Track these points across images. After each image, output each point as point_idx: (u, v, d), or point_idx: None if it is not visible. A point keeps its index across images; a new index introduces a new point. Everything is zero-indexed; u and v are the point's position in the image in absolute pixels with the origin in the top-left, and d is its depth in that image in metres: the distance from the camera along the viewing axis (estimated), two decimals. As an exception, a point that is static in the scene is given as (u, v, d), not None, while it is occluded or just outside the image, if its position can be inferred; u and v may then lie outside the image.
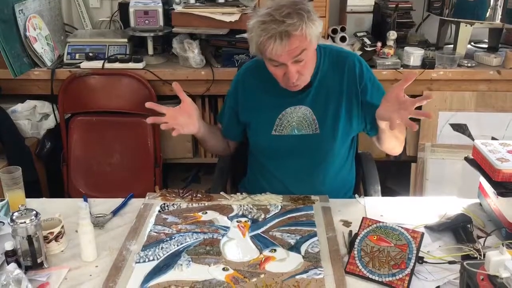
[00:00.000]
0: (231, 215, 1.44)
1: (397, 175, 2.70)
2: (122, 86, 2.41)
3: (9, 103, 2.42)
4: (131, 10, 2.42)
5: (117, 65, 2.39)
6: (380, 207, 1.49)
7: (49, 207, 1.45)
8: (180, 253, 1.26)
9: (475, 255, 1.20)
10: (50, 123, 2.49)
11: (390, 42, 2.42)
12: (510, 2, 2.36)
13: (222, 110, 1.75)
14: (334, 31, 2.52)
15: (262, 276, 1.18)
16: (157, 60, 2.52)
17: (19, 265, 1.16)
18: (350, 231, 1.35)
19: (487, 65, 2.44)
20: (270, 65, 1.46)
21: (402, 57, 2.41)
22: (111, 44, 2.49)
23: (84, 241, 1.25)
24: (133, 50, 2.56)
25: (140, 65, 2.39)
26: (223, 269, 1.20)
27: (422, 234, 1.22)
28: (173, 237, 1.32)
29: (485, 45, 2.67)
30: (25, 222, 1.17)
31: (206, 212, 1.45)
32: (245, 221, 1.40)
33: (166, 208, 1.48)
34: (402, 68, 2.38)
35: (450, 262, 1.21)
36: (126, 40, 2.50)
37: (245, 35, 2.36)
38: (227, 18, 2.33)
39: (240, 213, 1.45)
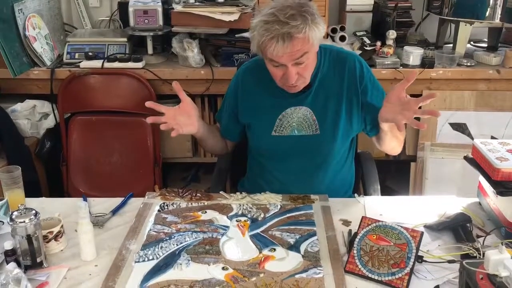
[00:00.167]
0: (230, 214, 1.44)
1: (397, 175, 2.70)
2: (121, 85, 2.42)
3: (8, 103, 2.43)
4: (130, 9, 2.42)
5: (116, 64, 2.40)
6: (380, 206, 1.49)
7: (49, 207, 1.45)
8: (180, 253, 1.26)
9: (475, 254, 1.20)
10: (49, 122, 2.49)
11: (390, 42, 2.43)
12: (510, 1, 2.36)
13: (220, 109, 1.74)
14: (334, 31, 2.52)
15: (261, 275, 1.18)
16: (157, 59, 2.52)
17: (19, 265, 1.17)
18: (350, 230, 1.35)
19: (487, 64, 2.44)
20: (270, 65, 1.45)
21: (401, 56, 2.41)
22: (111, 44, 2.49)
23: (83, 240, 1.24)
24: (133, 49, 2.57)
25: (139, 65, 2.39)
26: (223, 268, 1.20)
27: (422, 233, 1.22)
28: (173, 237, 1.32)
29: (485, 44, 2.67)
30: (24, 222, 1.17)
31: (206, 212, 1.45)
32: (245, 221, 1.40)
33: (166, 207, 1.48)
34: (401, 67, 2.38)
35: (450, 261, 1.21)
36: (125, 39, 2.50)
37: (244, 34, 2.37)
38: (226, 18, 2.33)
39: (240, 212, 1.45)
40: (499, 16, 2.38)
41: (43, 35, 2.44)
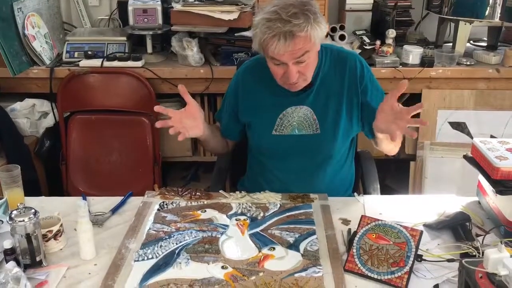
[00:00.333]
0: (230, 213, 1.44)
1: (396, 174, 2.71)
2: (121, 84, 2.41)
3: (8, 102, 2.43)
4: (130, 8, 2.41)
5: (116, 63, 2.40)
6: (379, 205, 1.49)
7: (48, 206, 1.45)
8: (179, 252, 1.26)
9: (474, 253, 1.20)
10: (49, 121, 2.49)
11: (389, 41, 2.42)
12: (509, 0, 2.36)
13: (221, 109, 1.74)
14: (333, 30, 2.52)
15: (261, 274, 1.18)
16: (156, 58, 2.51)
17: (18, 264, 1.17)
18: (349, 229, 1.35)
19: (486, 63, 2.45)
20: (271, 63, 1.45)
21: (401, 55, 2.41)
22: (110, 43, 2.49)
23: (83, 239, 1.24)
24: (132, 48, 2.56)
25: (139, 64, 2.39)
26: (222, 267, 1.20)
27: (421, 232, 1.22)
28: (172, 235, 1.32)
29: (484, 44, 2.67)
30: (24, 221, 1.17)
31: (205, 211, 1.45)
32: (244, 219, 1.40)
33: (165, 206, 1.48)
34: (401, 66, 2.38)
35: (449, 260, 1.21)
36: (125, 38, 2.50)
37: (244, 33, 2.37)
38: (226, 17, 2.33)
39: (239, 211, 1.45)
40: (498, 15, 2.38)
41: (43, 34, 2.44)
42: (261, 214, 1.43)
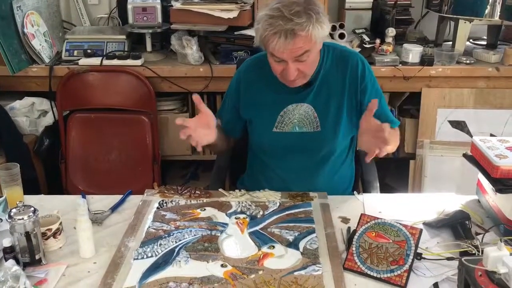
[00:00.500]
0: (229, 211, 1.44)
1: (396, 172, 2.70)
2: (120, 82, 2.41)
3: (7, 100, 2.42)
4: (129, 6, 2.41)
5: (115, 61, 2.39)
6: (379, 204, 1.49)
7: (47, 204, 1.45)
8: (179, 250, 1.26)
9: (473, 252, 1.20)
10: (48, 120, 2.48)
11: (389, 39, 2.42)
12: (509, -1, 2.36)
13: (222, 106, 1.74)
14: (333, 28, 2.52)
15: (260, 272, 1.18)
16: (156, 56, 2.51)
17: (17, 262, 1.17)
18: (349, 228, 1.35)
19: (486, 62, 2.44)
20: (271, 59, 1.46)
21: (400, 54, 2.41)
22: (110, 41, 2.48)
23: (82, 237, 1.24)
24: (132, 46, 2.56)
25: (138, 62, 2.39)
26: (222, 265, 1.20)
27: (421, 230, 1.22)
28: (172, 234, 1.32)
29: (484, 42, 2.67)
30: (23, 219, 1.17)
31: (205, 209, 1.45)
32: (244, 218, 1.40)
33: (165, 204, 1.47)
34: (400, 65, 2.38)
35: (448, 259, 1.21)
36: (124, 36, 2.49)
37: (243, 31, 2.37)
38: (225, 15, 2.33)
39: (239, 209, 1.45)
40: (498, 13, 2.38)
41: (42, 32, 2.43)
42: (261, 213, 1.43)
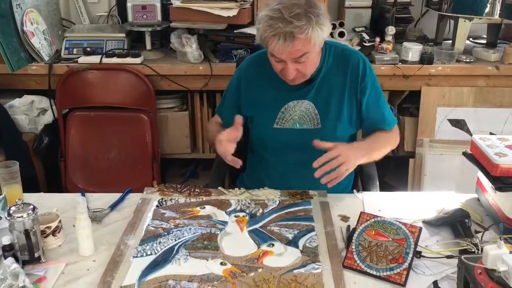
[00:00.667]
0: (229, 210, 1.44)
1: (395, 171, 2.70)
2: (120, 81, 2.41)
3: (6, 98, 2.42)
4: (128, 4, 2.41)
5: (115, 60, 2.39)
6: (378, 202, 1.49)
7: (47, 202, 1.45)
8: (178, 248, 1.26)
9: (473, 250, 1.20)
10: (47, 118, 2.48)
11: (389, 38, 2.42)
12: (509, -3, 2.36)
13: (221, 104, 1.75)
14: (333, 27, 2.51)
15: (260, 270, 1.17)
16: (155, 55, 2.51)
17: (17, 260, 1.16)
18: (348, 226, 1.35)
19: (486, 60, 2.44)
20: (271, 59, 1.48)
21: (400, 52, 2.41)
22: (109, 39, 2.48)
23: (81, 235, 1.24)
24: (131, 45, 2.56)
25: (138, 60, 2.38)
26: (221, 263, 1.20)
27: (420, 228, 1.22)
28: (171, 232, 1.32)
29: (484, 41, 2.67)
30: (22, 217, 1.17)
31: (204, 207, 1.45)
32: (243, 216, 1.40)
33: (164, 202, 1.47)
34: (400, 63, 2.38)
35: (448, 257, 1.21)
36: (124, 35, 2.49)
37: (243, 30, 2.37)
38: (225, 13, 2.32)
39: (238, 208, 1.45)
40: (498, 12, 2.37)
41: (41, 30, 2.43)
42: (260, 211, 1.43)
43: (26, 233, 1.18)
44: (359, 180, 1.82)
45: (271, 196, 1.51)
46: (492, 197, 1.39)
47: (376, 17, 2.62)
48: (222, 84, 1.77)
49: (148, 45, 2.50)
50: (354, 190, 1.58)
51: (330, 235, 1.31)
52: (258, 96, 1.61)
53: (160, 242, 1.28)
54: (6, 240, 1.18)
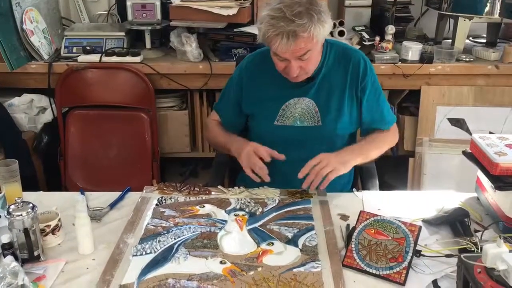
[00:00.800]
0: (228, 208, 1.44)
1: (395, 170, 2.70)
2: (119, 79, 2.41)
3: (6, 97, 2.42)
4: (128, 3, 2.40)
5: (114, 58, 2.39)
6: (378, 201, 1.49)
7: (46, 200, 1.45)
8: (178, 246, 1.26)
9: (472, 249, 1.20)
10: (47, 116, 2.48)
11: (389, 37, 2.42)
12: (509, -4, 2.36)
13: (220, 101, 1.75)
14: (333, 25, 2.51)
15: (259, 269, 1.17)
16: (155, 53, 2.51)
17: (16, 258, 1.16)
18: (348, 225, 1.35)
19: (485, 59, 2.44)
20: (274, 57, 1.48)
21: (400, 51, 2.41)
22: (109, 38, 2.48)
23: (81, 234, 1.24)
24: (131, 43, 2.55)
25: (137, 59, 2.38)
26: (221, 262, 1.20)
27: (420, 227, 1.22)
28: (171, 230, 1.32)
29: (484, 40, 2.67)
30: (21, 215, 1.17)
31: (204, 206, 1.45)
32: (243, 215, 1.40)
33: (164, 201, 1.47)
34: (400, 62, 2.38)
35: (447, 256, 1.21)
36: (123, 33, 2.49)
37: (243, 28, 2.37)
38: (225, 12, 2.32)
39: (238, 206, 1.45)
40: (498, 11, 2.37)
41: (41, 29, 2.43)
42: (260, 210, 1.43)
43: (26, 231, 1.17)
44: (359, 179, 1.82)
45: (270, 195, 1.51)
46: (492, 196, 1.39)
47: (376, 16, 2.62)
48: (222, 83, 1.77)
49: (148, 44, 2.50)
50: (354, 189, 1.59)
51: (330, 234, 1.31)
52: (260, 93, 1.61)
53: (159, 241, 1.28)
54: (5, 239, 1.18)
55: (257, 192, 1.52)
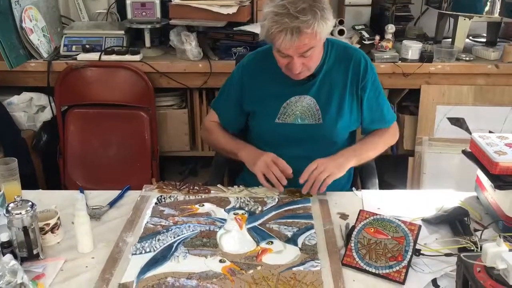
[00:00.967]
0: (228, 207, 1.44)
1: (395, 169, 2.70)
2: (119, 78, 2.40)
3: (5, 95, 2.41)
4: (128, 2, 2.40)
5: (114, 57, 2.38)
6: (377, 200, 1.49)
7: (45, 199, 1.45)
8: (177, 245, 1.26)
9: (472, 248, 1.20)
10: (46, 115, 2.48)
11: (389, 36, 2.42)
12: (509, -4, 2.35)
13: (218, 99, 1.74)
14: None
15: (259, 268, 1.17)
16: (154, 52, 2.50)
17: (15, 256, 1.16)
18: (347, 224, 1.35)
19: (485, 59, 2.44)
20: (277, 54, 1.48)
21: (400, 50, 2.40)
22: (108, 36, 2.47)
23: (80, 232, 1.24)
24: (130, 42, 2.55)
25: (137, 57, 2.38)
26: (220, 261, 1.20)
27: (419, 226, 1.22)
28: (170, 229, 1.32)
29: (484, 39, 2.67)
30: (20, 213, 1.17)
31: (203, 205, 1.45)
32: (242, 214, 1.40)
33: (163, 200, 1.47)
34: (400, 61, 2.38)
35: (447, 255, 1.21)
36: (123, 32, 2.48)
37: (243, 27, 2.36)
38: (224, 11, 2.32)
39: (237, 205, 1.45)
40: (498, 10, 2.37)
41: (40, 27, 2.42)
42: (259, 209, 1.43)
43: (25, 230, 1.17)
44: (358, 178, 1.82)
45: (270, 193, 1.51)
46: (492, 195, 1.39)
47: (376, 15, 2.62)
48: (222, 82, 1.77)
49: (147, 43, 2.50)
50: (353, 188, 1.58)
51: (329, 232, 1.31)
52: (261, 91, 1.62)
53: (159, 240, 1.28)
54: (4, 237, 1.17)
55: (256, 191, 1.52)
